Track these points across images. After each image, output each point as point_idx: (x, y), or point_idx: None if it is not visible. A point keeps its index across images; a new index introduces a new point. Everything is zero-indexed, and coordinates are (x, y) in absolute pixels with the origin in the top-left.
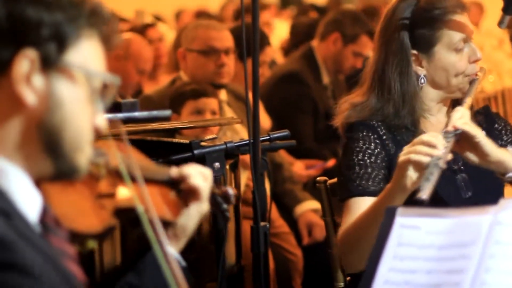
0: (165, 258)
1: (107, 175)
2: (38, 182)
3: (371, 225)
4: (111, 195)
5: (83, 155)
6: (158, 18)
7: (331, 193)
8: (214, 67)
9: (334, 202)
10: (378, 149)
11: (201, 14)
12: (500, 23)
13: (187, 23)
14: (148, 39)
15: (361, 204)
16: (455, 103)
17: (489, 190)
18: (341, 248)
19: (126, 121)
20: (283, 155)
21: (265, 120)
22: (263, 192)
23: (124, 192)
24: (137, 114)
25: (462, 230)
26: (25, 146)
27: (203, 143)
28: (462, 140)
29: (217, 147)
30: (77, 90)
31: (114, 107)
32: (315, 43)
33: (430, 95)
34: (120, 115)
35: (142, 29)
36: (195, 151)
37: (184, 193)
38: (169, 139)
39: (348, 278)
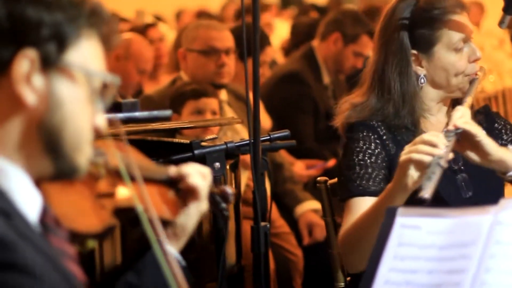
0: (165, 257)
1: (106, 175)
2: (38, 182)
3: (372, 225)
4: (111, 195)
5: (83, 155)
6: (158, 18)
7: (331, 193)
8: (214, 67)
9: (334, 202)
10: (379, 149)
11: (202, 14)
12: (500, 23)
13: (187, 23)
14: (149, 39)
15: (362, 204)
16: (455, 102)
17: (490, 190)
18: (342, 248)
19: (127, 121)
20: (283, 155)
21: (265, 120)
22: (264, 192)
23: (123, 192)
24: (137, 114)
25: (462, 230)
26: (25, 146)
27: (203, 143)
28: (463, 139)
29: (217, 147)
30: (77, 90)
31: (115, 107)
32: (315, 43)
33: (430, 95)
34: (121, 115)
35: (143, 29)
36: (196, 151)
37: (183, 193)
38: (170, 139)
39: (348, 278)
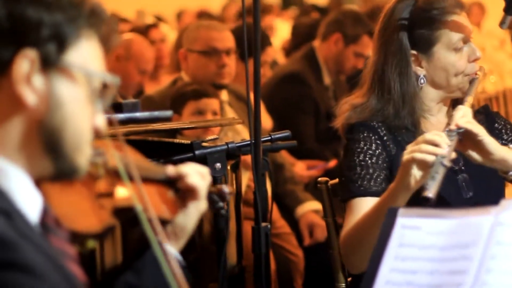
0: (164, 257)
1: (105, 175)
2: (38, 182)
3: (374, 225)
4: (110, 195)
5: (83, 155)
6: (159, 19)
7: (332, 193)
8: (215, 68)
9: (335, 203)
10: (379, 150)
11: (203, 15)
12: (501, 24)
13: (188, 24)
14: (150, 40)
15: (363, 205)
16: (455, 103)
17: (490, 191)
18: (344, 249)
19: (127, 121)
20: (284, 156)
21: (266, 121)
22: (264, 192)
23: (122, 192)
24: (138, 114)
25: (463, 230)
26: (26, 146)
27: (204, 144)
28: (464, 138)
29: (218, 148)
30: (77, 90)
31: (116, 108)
32: (316, 43)
33: (430, 95)
34: (122, 116)
35: (144, 30)
36: (196, 152)
37: (182, 192)
38: (171, 140)
39: (349, 279)
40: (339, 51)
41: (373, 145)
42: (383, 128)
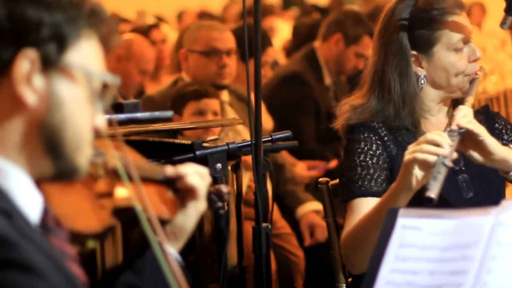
0: (164, 257)
1: (105, 175)
2: (38, 182)
3: (375, 225)
4: (109, 195)
5: (83, 155)
6: (160, 19)
7: (333, 194)
8: (216, 68)
9: (336, 203)
10: (380, 150)
11: (203, 15)
12: (502, 24)
13: (189, 24)
14: (152, 40)
15: (364, 205)
16: (455, 103)
17: (491, 191)
18: (345, 249)
19: (128, 121)
20: (285, 156)
21: (267, 121)
22: (265, 193)
23: (122, 192)
24: (139, 115)
25: (464, 231)
26: (26, 146)
27: (205, 144)
28: (466, 138)
29: (219, 148)
30: (77, 90)
31: (116, 108)
32: (317, 44)
33: (430, 96)
34: (122, 116)
35: (145, 30)
36: (197, 152)
37: (181, 193)
38: (171, 140)
39: (350, 279)
40: (340, 51)
41: (374, 145)
42: (383, 129)
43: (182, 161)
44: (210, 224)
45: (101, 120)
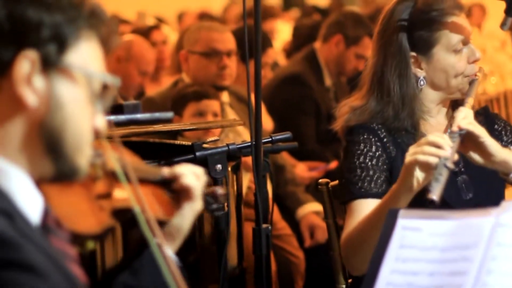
0: (163, 257)
1: (104, 176)
2: (38, 183)
3: (375, 226)
4: (108, 196)
5: (83, 156)
6: (160, 20)
7: (333, 195)
8: (216, 69)
9: (336, 204)
10: (379, 152)
11: (204, 16)
12: (502, 25)
13: (189, 25)
14: (152, 42)
15: (364, 207)
16: (455, 104)
17: (490, 192)
18: (345, 251)
19: (128, 123)
20: (285, 157)
21: (267, 122)
22: (265, 194)
23: (120, 193)
24: (139, 116)
25: (464, 232)
26: (26, 147)
27: (205, 145)
28: (466, 140)
29: (219, 149)
30: (77, 91)
31: (117, 109)
32: (317, 45)
33: (430, 97)
34: (122, 117)
35: (146, 31)
36: (197, 153)
37: (177, 193)
38: (171, 141)
39: (349, 280)
40: (340, 52)
41: (373, 147)
42: (382, 130)
43: (182, 162)
44: (210, 225)
45: (101, 121)
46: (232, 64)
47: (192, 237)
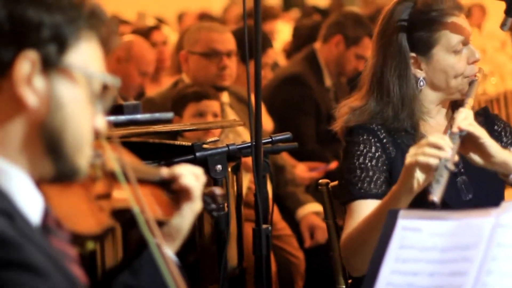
0: (162, 257)
1: (103, 177)
2: (38, 183)
3: (375, 228)
4: (107, 196)
5: (84, 156)
6: (160, 20)
7: (333, 195)
8: (216, 70)
9: (336, 205)
10: (379, 153)
11: (204, 16)
12: (502, 25)
13: (189, 26)
14: (152, 42)
15: (364, 207)
16: (454, 105)
17: (490, 193)
18: (345, 251)
19: (129, 123)
20: (285, 158)
21: (267, 122)
22: (265, 194)
23: (119, 193)
24: (139, 116)
25: (464, 232)
26: (27, 148)
27: (205, 146)
28: (466, 141)
29: (219, 150)
30: (78, 92)
31: (117, 110)
32: (317, 45)
33: (429, 98)
34: (122, 118)
35: (146, 32)
36: (197, 154)
37: (177, 194)
38: (171, 142)
39: (350, 281)
40: (340, 53)
41: (373, 147)
42: (382, 131)
43: (182, 163)
44: (210, 225)
45: (101, 121)
46: (232, 65)
47: (192, 238)
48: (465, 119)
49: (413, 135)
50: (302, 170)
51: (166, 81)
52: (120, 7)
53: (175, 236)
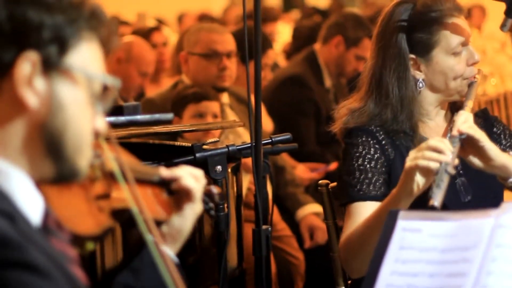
0: (161, 257)
1: (102, 177)
2: (38, 184)
3: (375, 230)
4: (107, 197)
5: (84, 157)
6: (160, 21)
7: (333, 196)
8: (216, 71)
9: (336, 206)
10: (378, 154)
11: (204, 17)
12: (502, 26)
13: (189, 26)
14: (153, 43)
15: (363, 209)
16: (453, 106)
17: (489, 194)
18: (345, 254)
19: (128, 124)
20: (285, 158)
21: (267, 123)
22: (265, 195)
23: (118, 194)
24: (139, 117)
25: (464, 233)
26: (27, 149)
27: (205, 146)
28: (466, 144)
29: (219, 150)
30: (78, 92)
31: (117, 110)
32: (317, 46)
33: (429, 99)
34: (122, 118)
35: (146, 33)
36: (197, 154)
37: (177, 194)
38: (171, 142)
39: (349, 282)
40: (340, 54)
41: (372, 149)
42: (381, 133)
43: (182, 164)
44: (210, 226)
45: (101, 122)
46: (232, 66)
47: (192, 239)
48: (465, 122)
49: (412, 136)
50: (302, 171)
51: (166, 82)
52: (120, 8)
53: (176, 237)
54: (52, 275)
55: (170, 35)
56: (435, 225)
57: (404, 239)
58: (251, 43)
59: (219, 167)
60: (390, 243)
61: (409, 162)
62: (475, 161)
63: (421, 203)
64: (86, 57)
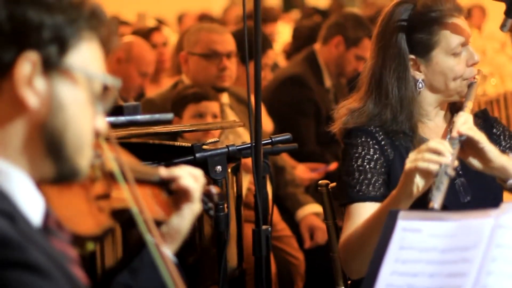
0: (161, 257)
1: (102, 177)
2: (39, 185)
3: (374, 231)
4: (107, 197)
5: (84, 157)
6: (160, 21)
7: (333, 196)
8: (216, 71)
9: (336, 206)
10: (377, 155)
11: (204, 17)
12: (502, 26)
13: (189, 27)
14: (153, 44)
15: (362, 210)
16: (453, 107)
17: (488, 195)
18: (344, 254)
19: (128, 124)
20: (285, 158)
21: (267, 123)
22: (265, 195)
23: (118, 194)
24: (139, 117)
25: (464, 233)
26: (28, 149)
27: (205, 147)
28: (465, 145)
29: (219, 151)
30: (78, 92)
31: (117, 110)
32: (317, 46)
33: (428, 100)
34: (122, 118)
35: (146, 33)
36: (197, 155)
37: (176, 194)
38: (171, 142)
39: (349, 282)
40: (340, 54)
41: (371, 150)
42: (380, 133)
43: (182, 164)
44: (210, 226)
45: (101, 122)
46: (232, 66)
47: (192, 239)
48: (465, 123)
49: (411, 137)
50: (302, 171)
51: (166, 82)
52: (120, 8)
53: (174, 236)
54: (52, 275)
55: (170, 35)
56: (435, 225)
57: (404, 239)
58: (251, 43)
59: (219, 167)
60: (390, 243)
61: (409, 163)
62: (475, 162)
63: (421, 204)
64: (86, 57)
